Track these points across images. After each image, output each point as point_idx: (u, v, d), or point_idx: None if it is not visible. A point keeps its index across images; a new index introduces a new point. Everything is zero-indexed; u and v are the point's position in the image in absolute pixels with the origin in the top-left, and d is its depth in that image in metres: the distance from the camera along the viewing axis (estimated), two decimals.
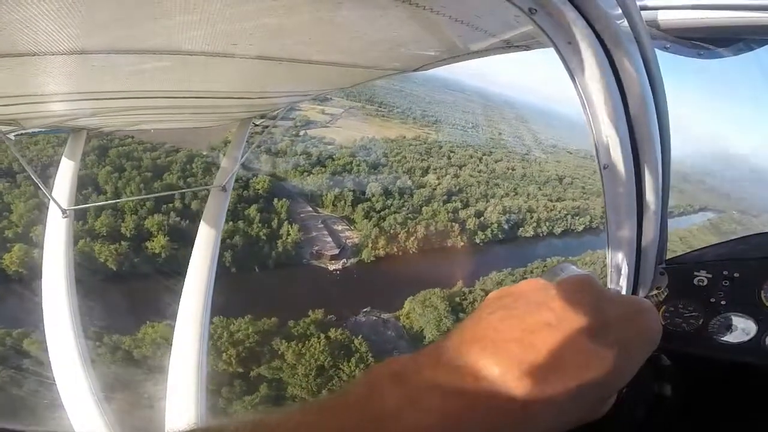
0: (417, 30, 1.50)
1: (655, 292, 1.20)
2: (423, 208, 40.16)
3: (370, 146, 43.11)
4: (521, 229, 47.60)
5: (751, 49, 1.14)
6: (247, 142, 5.75)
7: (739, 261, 1.15)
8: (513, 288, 0.45)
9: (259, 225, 33.18)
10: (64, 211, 4.26)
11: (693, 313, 1.11)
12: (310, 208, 37.35)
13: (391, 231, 36.91)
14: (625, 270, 1.18)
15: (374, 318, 29.72)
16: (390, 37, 1.65)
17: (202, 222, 5.09)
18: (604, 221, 1.14)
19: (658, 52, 0.98)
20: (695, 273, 1.17)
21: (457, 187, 43.67)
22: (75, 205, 4.63)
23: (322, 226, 36.24)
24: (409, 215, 38.93)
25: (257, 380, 23.56)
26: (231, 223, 31.64)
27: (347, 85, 3.58)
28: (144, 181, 32.45)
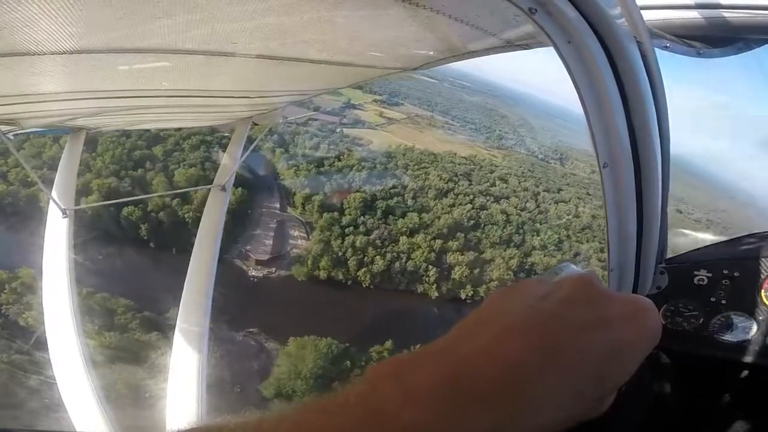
0: (417, 29, 1.49)
1: (655, 291, 1.20)
2: (402, 238, 29.90)
3: (397, 154, 37.34)
4: None
5: (751, 48, 1.15)
6: (246, 140, 5.74)
7: (739, 260, 1.15)
8: (513, 287, 0.45)
9: (189, 207, 26.55)
10: (64, 211, 4.26)
11: (693, 312, 1.12)
12: (278, 205, 32.08)
13: (344, 253, 28.60)
14: (625, 269, 1.18)
15: (252, 342, 23.13)
16: (390, 36, 1.65)
17: (202, 222, 5.09)
18: (605, 220, 1.14)
19: (658, 51, 0.98)
20: (695, 272, 1.17)
21: (471, 222, 32.16)
22: (75, 205, 4.63)
23: (275, 226, 30.82)
24: (379, 241, 29.65)
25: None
26: (169, 199, 26.99)
27: (347, 84, 3.59)
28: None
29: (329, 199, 31.77)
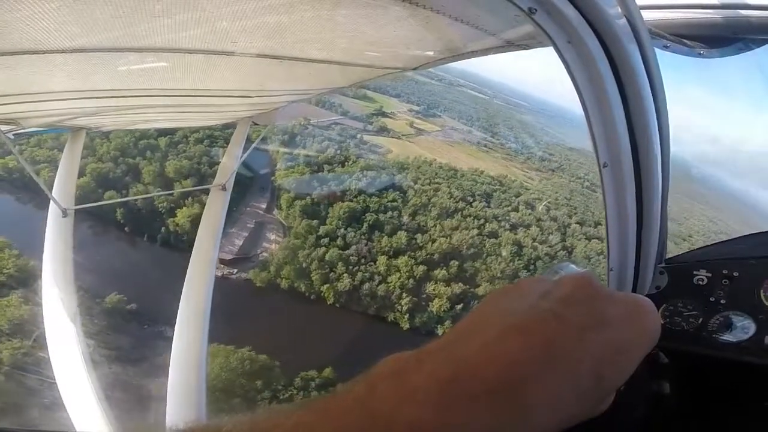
0: (417, 29, 1.49)
1: (654, 290, 1.21)
2: (381, 258, 26.31)
3: (411, 166, 33.81)
4: None
5: (751, 48, 1.15)
6: (246, 140, 5.74)
7: (738, 260, 1.15)
8: (513, 285, 0.45)
9: (167, 197, 25.82)
10: (64, 211, 4.25)
11: (692, 312, 1.12)
12: (264, 206, 29.76)
13: (309, 264, 25.63)
14: (625, 269, 1.18)
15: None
16: (390, 35, 1.65)
17: (202, 222, 5.09)
18: (604, 220, 1.14)
19: (658, 51, 0.98)
20: (695, 272, 1.17)
21: (472, 250, 27.73)
22: (75, 205, 4.63)
23: (252, 227, 28.46)
24: (354, 257, 26.26)
25: None
26: (150, 185, 26.03)
27: (347, 83, 3.59)
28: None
29: (314, 204, 28.93)
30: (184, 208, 25.68)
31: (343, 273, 25.29)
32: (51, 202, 4.24)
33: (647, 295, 1.19)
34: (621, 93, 0.96)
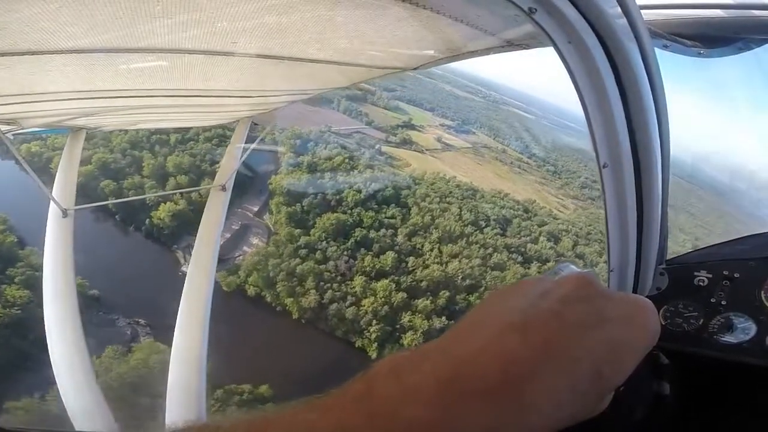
0: (417, 29, 1.49)
1: (655, 291, 1.20)
2: (357, 278, 23.69)
3: (424, 182, 30.50)
4: None
5: (751, 48, 1.14)
6: (246, 140, 5.75)
7: (739, 261, 1.15)
8: (513, 285, 0.45)
9: (156, 189, 25.00)
10: (64, 211, 4.26)
11: (693, 313, 1.11)
12: (256, 209, 28.10)
13: (276, 275, 23.53)
14: (625, 270, 1.18)
15: (127, 332, 21.13)
16: (390, 35, 1.65)
17: (202, 222, 5.09)
18: (605, 221, 1.14)
19: (657, 51, 0.98)
20: (695, 273, 1.17)
21: (468, 281, 24.25)
22: (75, 205, 4.63)
23: (237, 228, 26.91)
24: (328, 274, 23.85)
25: None
26: (147, 179, 25.57)
27: (348, 83, 3.59)
28: None
29: (304, 212, 26.66)
30: (168, 203, 24.68)
31: (311, 288, 22.89)
32: (51, 202, 4.24)
33: (648, 296, 1.19)
34: (621, 92, 0.96)
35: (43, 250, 4.24)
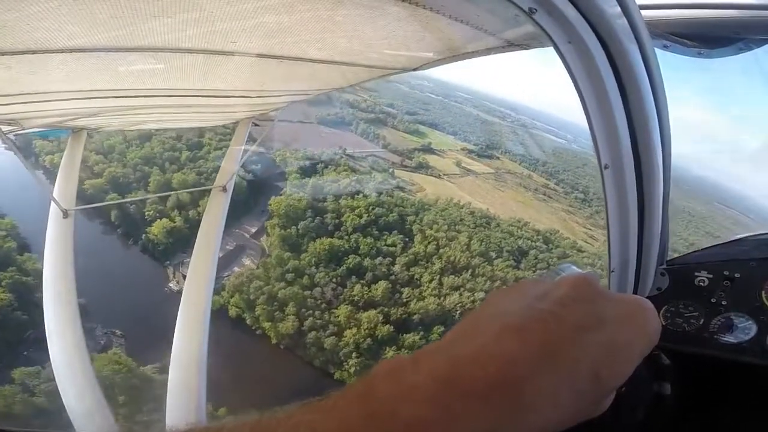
0: (417, 29, 1.49)
1: (656, 292, 1.20)
2: (342, 306, 22.87)
3: (434, 207, 28.81)
4: None
5: (751, 48, 1.14)
6: (247, 141, 5.75)
7: (739, 262, 1.15)
8: (513, 286, 0.46)
9: (157, 207, 24.83)
10: (64, 212, 4.26)
11: (693, 313, 1.11)
12: (254, 230, 27.14)
13: (256, 298, 22.90)
14: (626, 270, 1.18)
15: (102, 341, 20.28)
16: (390, 36, 1.65)
17: (202, 222, 5.09)
18: (606, 221, 1.14)
19: (657, 51, 0.98)
20: (696, 273, 1.17)
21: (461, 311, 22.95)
22: (76, 206, 4.64)
23: (231, 248, 25.89)
24: (312, 300, 22.97)
25: None
26: (151, 194, 25.21)
27: (347, 84, 3.59)
28: None
29: (299, 236, 25.28)
30: (164, 219, 24.37)
31: (291, 314, 21.81)
32: (51, 202, 4.25)
33: (648, 297, 1.19)
34: (621, 93, 0.95)
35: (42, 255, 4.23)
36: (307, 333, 21.39)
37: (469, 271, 24.13)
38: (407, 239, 25.45)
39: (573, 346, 0.36)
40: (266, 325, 21.92)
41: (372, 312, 21.83)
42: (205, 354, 3.93)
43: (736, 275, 1.12)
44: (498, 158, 35.39)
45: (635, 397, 0.58)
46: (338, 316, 21.96)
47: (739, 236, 1.34)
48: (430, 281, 23.55)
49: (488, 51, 1.64)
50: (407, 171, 32.42)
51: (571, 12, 0.85)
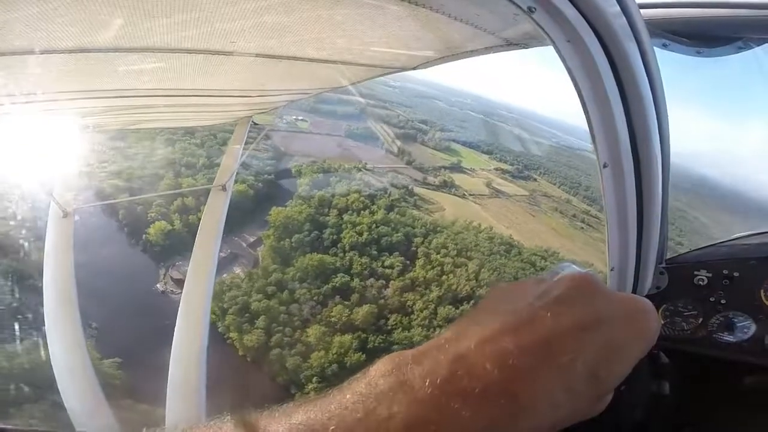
0: (416, 28, 1.49)
1: (655, 291, 1.20)
2: (313, 326, 21.64)
3: (449, 230, 26.42)
4: None
5: (751, 48, 1.14)
6: (246, 141, 5.75)
7: (739, 260, 1.15)
8: (512, 285, 0.46)
9: (159, 209, 24.28)
10: (65, 212, 4.26)
11: (692, 312, 1.12)
12: (252, 239, 26.18)
13: (228, 307, 21.83)
14: (625, 269, 1.18)
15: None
16: (389, 35, 1.65)
17: (202, 222, 5.09)
18: (605, 220, 1.14)
19: (657, 50, 0.98)
20: (695, 272, 1.17)
21: None
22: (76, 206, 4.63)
23: (224, 255, 24.37)
24: (285, 316, 21.59)
25: None
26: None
27: (347, 83, 3.58)
28: None
29: (292, 249, 24.22)
30: (163, 221, 23.85)
31: (259, 328, 20.84)
32: (51, 202, 4.25)
33: (647, 296, 1.19)
34: (620, 92, 0.95)
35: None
36: (271, 349, 20.20)
37: (471, 302, 21.38)
38: (408, 262, 23.68)
39: (570, 345, 0.37)
40: (234, 335, 20.86)
41: (347, 337, 20.41)
42: (205, 353, 3.93)
43: (735, 274, 1.12)
44: (535, 180, 32.96)
45: (634, 396, 0.58)
46: (308, 336, 20.59)
47: (738, 235, 1.34)
48: (423, 310, 21.72)
49: (487, 50, 1.64)
50: (429, 189, 30.83)
51: (570, 11, 0.85)
